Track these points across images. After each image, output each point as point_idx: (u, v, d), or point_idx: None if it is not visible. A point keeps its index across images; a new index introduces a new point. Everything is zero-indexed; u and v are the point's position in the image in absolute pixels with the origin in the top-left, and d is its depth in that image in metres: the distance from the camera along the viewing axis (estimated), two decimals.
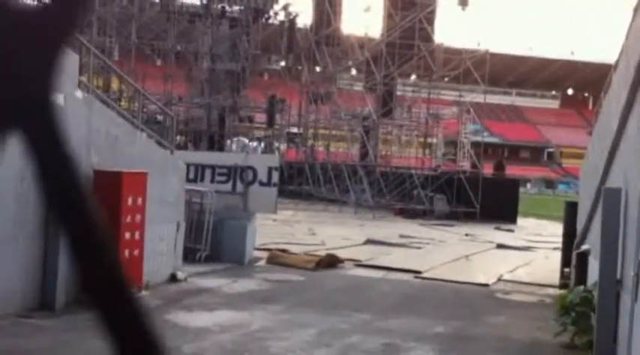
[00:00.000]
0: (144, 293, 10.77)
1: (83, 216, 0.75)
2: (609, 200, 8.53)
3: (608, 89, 12.71)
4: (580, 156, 31.55)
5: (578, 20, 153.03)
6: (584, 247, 12.54)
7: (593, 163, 13.25)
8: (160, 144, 13.48)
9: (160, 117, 31.62)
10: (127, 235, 10.35)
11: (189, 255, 13.91)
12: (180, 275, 12.51)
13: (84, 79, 12.60)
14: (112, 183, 10.20)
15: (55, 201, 0.75)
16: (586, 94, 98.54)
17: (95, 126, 10.56)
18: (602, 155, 11.10)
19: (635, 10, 9.46)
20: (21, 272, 9.39)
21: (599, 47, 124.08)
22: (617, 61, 11.29)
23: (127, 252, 10.30)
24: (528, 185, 74.89)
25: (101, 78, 29.95)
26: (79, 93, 10.42)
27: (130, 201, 10.40)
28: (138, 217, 10.57)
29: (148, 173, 10.90)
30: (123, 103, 30.71)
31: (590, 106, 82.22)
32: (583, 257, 12.15)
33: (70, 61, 10.57)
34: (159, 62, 45.06)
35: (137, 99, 15.72)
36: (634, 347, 7.08)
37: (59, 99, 8.49)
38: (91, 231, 0.75)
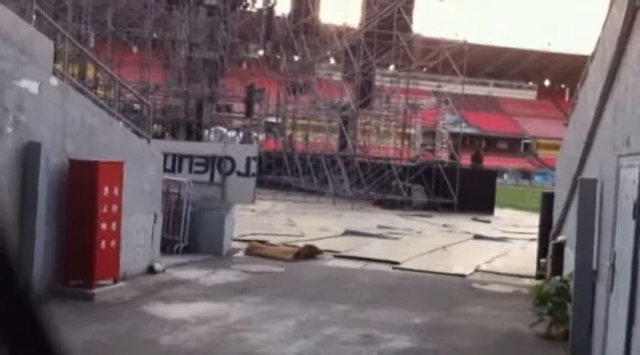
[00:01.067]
0: (121, 284, 10.67)
1: None
2: (585, 191, 8.59)
3: (584, 80, 12.79)
4: (556, 148, 31.79)
5: (556, 12, 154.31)
6: (560, 238, 12.64)
7: (570, 154, 13.35)
8: (136, 133, 13.34)
9: (137, 106, 31.35)
10: (104, 226, 10.23)
11: (167, 246, 13.81)
12: (157, 266, 12.41)
13: (59, 66, 12.42)
14: (87, 173, 10.08)
15: None
16: (563, 86, 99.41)
17: (70, 115, 10.40)
18: (579, 146, 11.18)
19: (612, 2, 9.51)
20: None
21: (575, 39, 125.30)
22: (594, 52, 11.35)
23: (103, 243, 10.19)
24: (505, 176, 75.47)
25: (77, 65, 29.57)
26: (53, 81, 10.25)
27: (106, 191, 10.27)
28: (114, 208, 10.45)
29: (125, 162, 10.78)
30: (99, 91, 30.38)
31: (567, 98, 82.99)
32: (559, 248, 12.26)
33: (45, 48, 10.40)
34: (135, 50, 44.61)
35: (113, 88, 15.54)
36: (609, 337, 7.15)
37: (34, 87, 8.35)
38: None
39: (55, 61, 11.52)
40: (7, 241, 0.69)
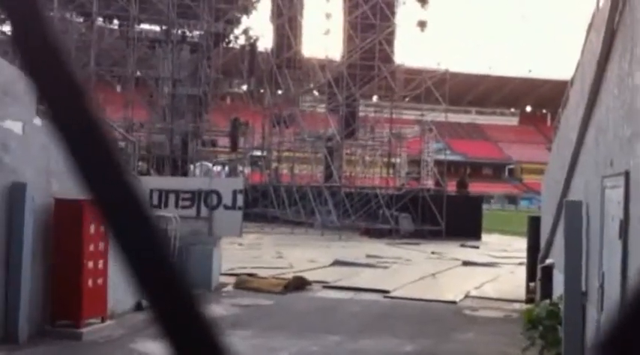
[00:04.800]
0: (109, 322, 10.55)
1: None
2: (571, 212, 8.65)
3: (565, 104, 12.97)
4: (540, 172, 32.03)
5: (535, 39, 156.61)
6: (548, 261, 12.68)
7: (554, 177, 13.47)
8: None
9: (121, 144, 31.30)
10: (90, 264, 10.15)
11: None
12: (145, 303, 12.27)
13: (42, 106, 12.42)
14: (73, 212, 10.02)
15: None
16: (544, 111, 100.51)
17: (55, 154, 10.37)
18: (563, 169, 11.29)
19: (589, 27, 9.70)
20: None
21: (555, 65, 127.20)
22: (574, 77, 11.54)
23: (90, 282, 10.10)
24: (492, 201, 75.78)
25: None
26: (37, 121, 10.26)
27: (92, 229, 10.22)
28: (101, 245, 10.39)
29: None
30: None
31: (549, 122, 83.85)
32: (548, 270, 12.29)
33: (28, 88, 10.42)
34: (119, 88, 44.70)
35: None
36: None
37: (17, 127, 8.36)
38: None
39: (39, 101, 11.52)
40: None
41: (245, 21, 42.43)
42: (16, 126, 9.49)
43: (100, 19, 38.29)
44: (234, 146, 40.32)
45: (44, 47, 0.70)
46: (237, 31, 42.06)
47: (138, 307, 12.14)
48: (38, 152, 10.01)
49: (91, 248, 10.19)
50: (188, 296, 0.73)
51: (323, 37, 40.94)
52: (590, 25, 9.65)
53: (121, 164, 0.71)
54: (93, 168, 0.70)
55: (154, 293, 0.73)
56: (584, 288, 8.34)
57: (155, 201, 14.88)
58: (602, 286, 7.41)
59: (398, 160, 44.17)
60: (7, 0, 0.68)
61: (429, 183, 39.46)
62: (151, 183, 16.09)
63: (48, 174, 10.21)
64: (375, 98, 46.78)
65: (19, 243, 9.35)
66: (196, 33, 38.64)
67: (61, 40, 0.71)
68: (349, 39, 38.21)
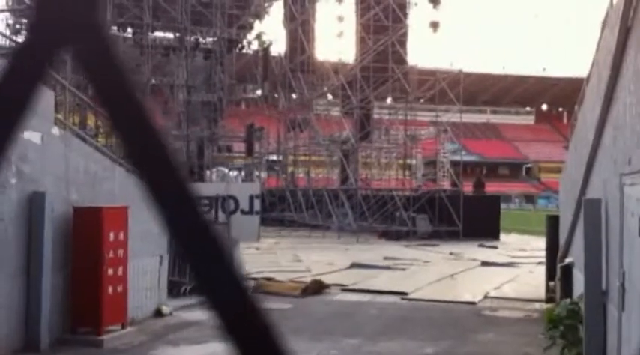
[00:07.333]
0: (129, 329, 10.62)
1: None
2: (590, 211, 8.59)
3: (582, 102, 12.89)
4: (558, 171, 31.84)
5: (549, 37, 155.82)
6: (567, 260, 12.60)
7: (572, 176, 13.38)
8: None
9: None
10: (110, 271, 10.23)
11: (174, 289, 13.75)
12: (165, 309, 12.36)
13: (60, 116, 12.55)
14: (92, 220, 10.12)
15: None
16: (560, 109, 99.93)
17: (73, 163, 10.48)
18: (580, 167, 11.21)
19: (603, 24, 9.65)
20: (4, 312, 9.23)
21: (570, 62, 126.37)
22: (589, 74, 11.47)
23: (110, 289, 10.18)
24: (517, 200, 75.53)
25: (77, 114, 29.82)
26: (55, 131, 10.36)
27: (111, 236, 10.30)
28: (120, 252, 10.46)
29: (129, 207, 10.81)
30: (100, 139, 30.56)
31: (565, 121, 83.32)
32: (567, 270, 12.21)
33: (46, 99, 10.53)
34: None
35: (114, 134, 15.64)
36: None
37: (36, 137, 8.44)
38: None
39: (56, 111, 11.65)
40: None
41: (258, 26, 42.57)
42: (34, 137, 9.59)
43: (114, 28, 38.56)
44: (249, 151, 40.45)
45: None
46: (250, 36, 42.18)
47: (157, 313, 12.22)
48: (57, 162, 10.10)
49: (111, 254, 10.27)
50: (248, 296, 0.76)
51: (336, 40, 41.00)
52: (605, 22, 9.60)
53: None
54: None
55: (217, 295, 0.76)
56: (604, 287, 8.28)
57: None
58: (622, 284, 7.35)
59: (414, 162, 44.08)
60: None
61: (446, 184, 39.32)
62: None
63: (67, 183, 10.30)
64: (389, 100, 46.72)
65: (39, 251, 9.44)
66: (209, 39, 38.84)
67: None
68: (362, 41, 38.19)
